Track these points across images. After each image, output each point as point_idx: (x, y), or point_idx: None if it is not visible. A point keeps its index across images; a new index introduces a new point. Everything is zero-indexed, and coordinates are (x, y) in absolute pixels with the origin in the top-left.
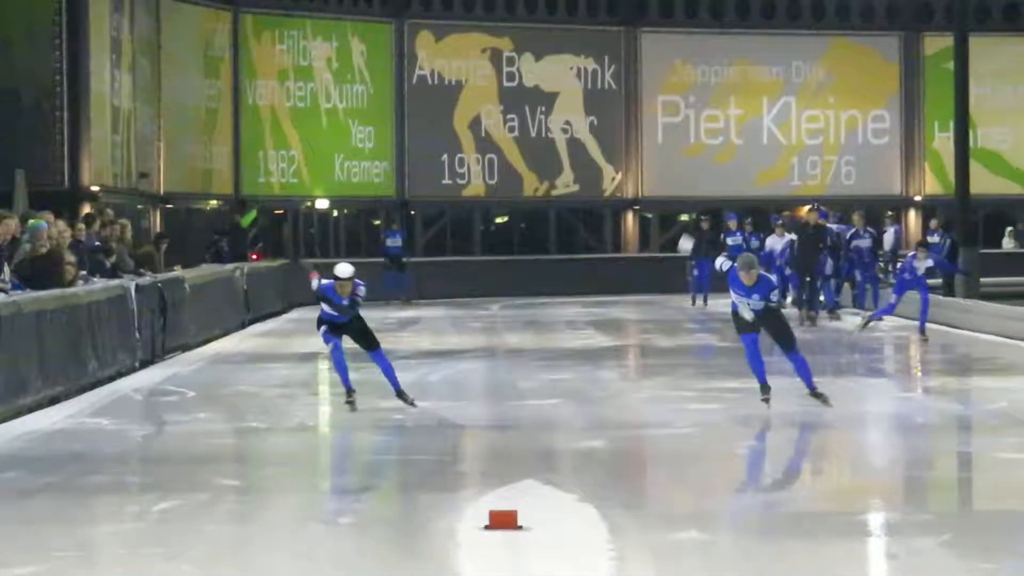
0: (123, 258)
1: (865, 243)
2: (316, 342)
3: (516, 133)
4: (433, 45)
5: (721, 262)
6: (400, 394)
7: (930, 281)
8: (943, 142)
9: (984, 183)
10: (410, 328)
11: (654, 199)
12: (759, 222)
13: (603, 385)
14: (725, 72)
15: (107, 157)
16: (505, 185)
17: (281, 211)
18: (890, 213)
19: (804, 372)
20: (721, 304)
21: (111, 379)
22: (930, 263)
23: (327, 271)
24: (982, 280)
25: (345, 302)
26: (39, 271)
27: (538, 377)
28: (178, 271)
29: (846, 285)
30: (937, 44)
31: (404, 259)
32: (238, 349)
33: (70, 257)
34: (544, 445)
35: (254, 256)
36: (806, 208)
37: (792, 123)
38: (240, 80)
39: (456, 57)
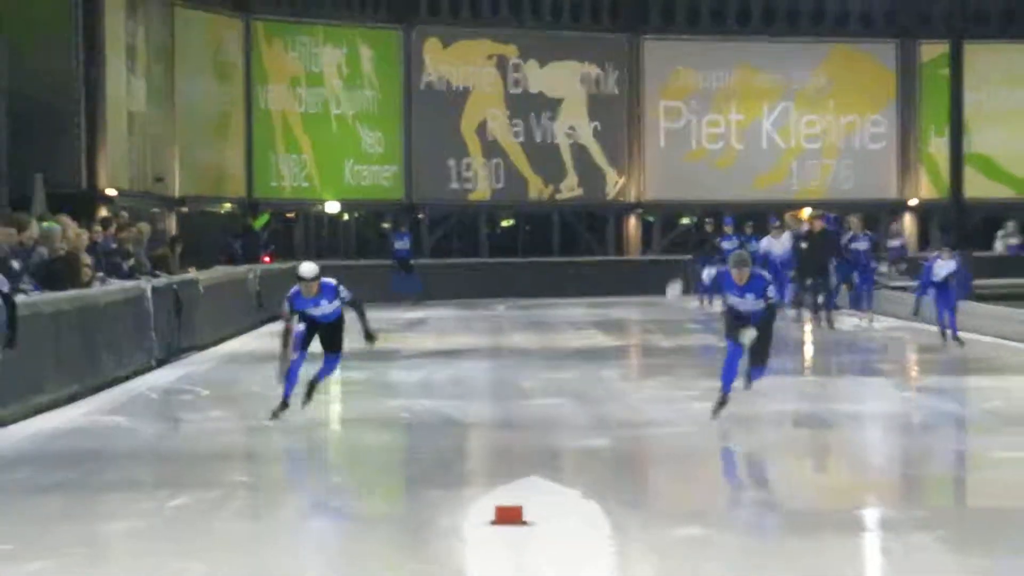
0: (140, 260)
1: (863, 246)
2: None
3: (521, 138)
4: (440, 51)
5: (707, 273)
6: (310, 389)
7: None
8: (938, 146)
9: (978, 187)
10: (417, 328)
11: (656, 202)
12: (759, 225)
13: (605, 384)
14: (726, 78)
15: (123, 161)
16: (510, 189)
17: (292, 214)
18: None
19: (755, 374)
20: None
21: (127, 378)
22: (953, 266)
23: (333, 272)
24: (976, 282)
25: (322, 303)
26: (56, 273)
27: (542, 376)
28: (192, 273)
29: (843, 287)
30: (933, 51)
31: (411, 261)
32: (251, 349)
33: (86, 259)
34: (548, 443)
35: (266, 258)
36: (806, 211)
37: (791, 128)
38: (252, 85)
39: (463, 63)
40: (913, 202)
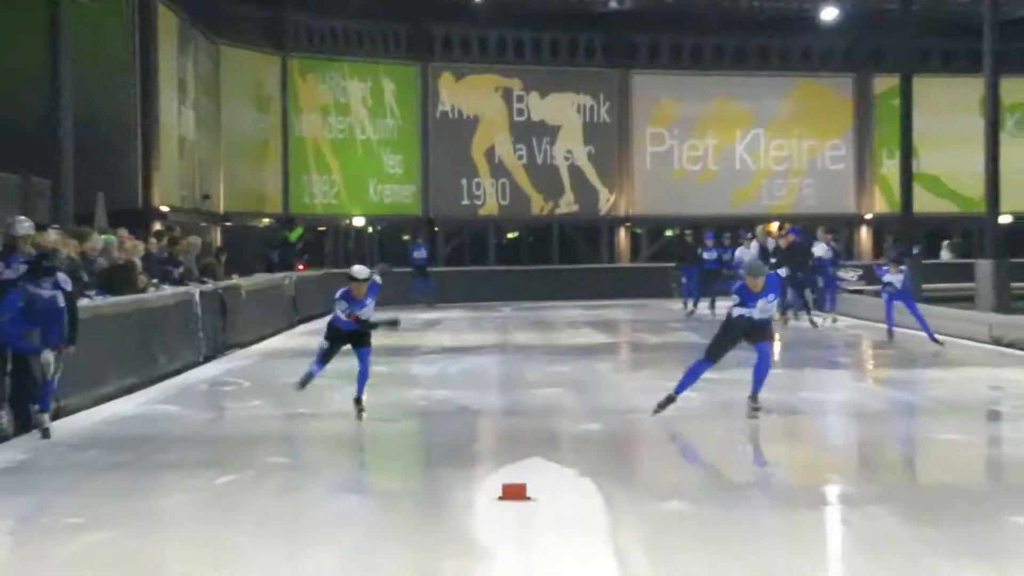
0: (190, 268)
1: (827, 254)
2: None
3: (524, 160)
4: (453, 84)
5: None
6: (358, 400)
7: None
8: (890, 167)
9: (925, 203)
10: (433, 328)
11: (643, 217)
12: (734, 237)
13: (600, 376)
14: (704, 107)
15: (174, 181)
16: (515, 205)
17: (323, 228)
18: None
19: (760, 373)
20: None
21: (178, 372)
22: (901, 278)
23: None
24: (924, 286)
25: (364, 305)
26: (115, 280)
27: (543, 369)
28: (236, 279)
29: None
30: (885, 84)
31: (428, 268)
32: (287, 346)
33: (140, 268)
34: (549, 428)
35: (300, 266)
36: (774, 225)
37: (761, 151)
38: (287, 115)
39: (473, 95)
40: (869, 216)
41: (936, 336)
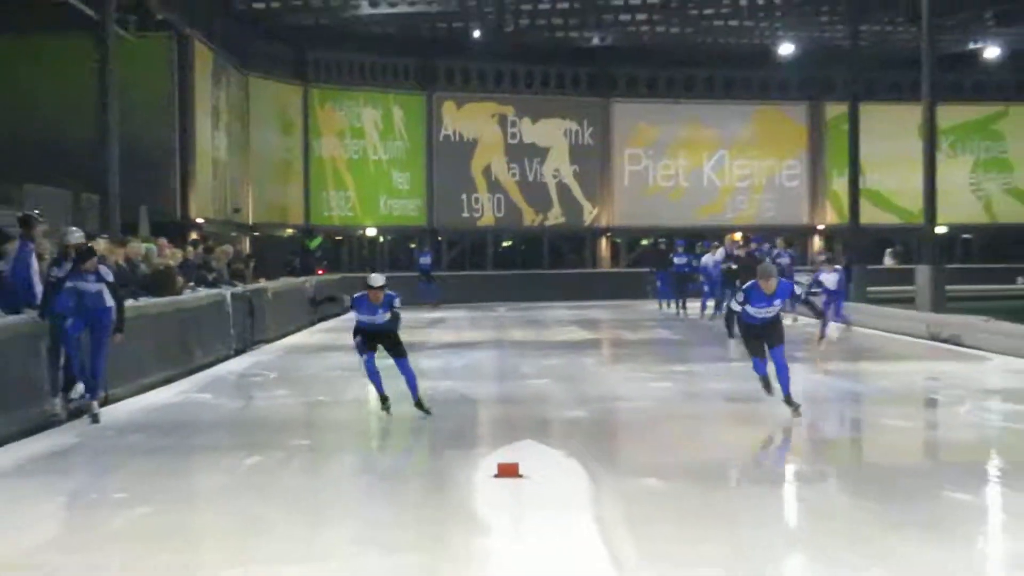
0: (222, 273)
1: (785, 260)
2: None
3: (517, 177)
4: (455, 111)
5: (737, 299)
6: (418, 404)
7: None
8: (840, 184)
9: (871, 215)
10: (437, 326)
11: (622, 228)
12: (694, 244)
13: (585, 369)
14: (676, 132)
15: (208, 196)
16: (509, 217)
17: (340, 237)
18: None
19: (783, 376)
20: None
21: (211, 364)
22: (837, 277)
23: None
24: (869, 289)
25: (379, 312)
26: (157, 283)
27: (535, 363)
28: (262, 283)
29: None
30: (836, 110)
31: (432, 273)
32: (307, 342)
33: (177, 273)
34: (539, 414)
35: (319, 271)
36: (737, 234)
37: (726, 170)
38: (309, 138)
39: (472, 120)
40: (820, 226)
41: (825, 332)
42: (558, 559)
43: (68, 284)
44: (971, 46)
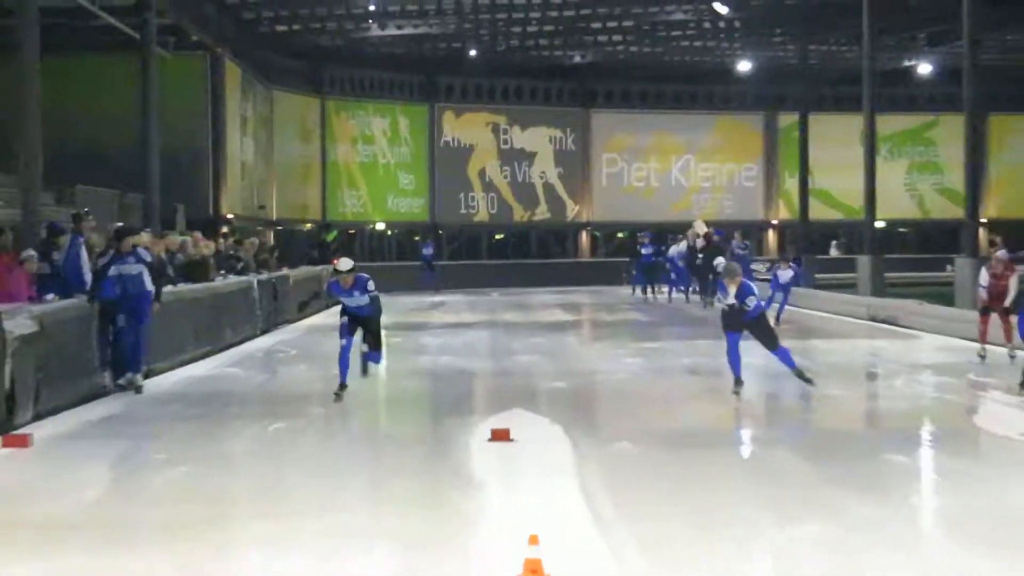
0: (249, 262)
1: (744, 251)
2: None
3: (508, 179)
4: (454, 120)
5: (719, 296)
6: (364, 366)
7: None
8: (792, 184)
9: (818, 211)
10: (438, 309)
11: (600, 223)
12: (665, 237)
13: (567, 346)
14: (648, 139)
15: (237, 195)
16: (501, 214)
17: (353, 231)
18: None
19: (787, 360)
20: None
21: (240, 342)
22: (791, 274)
23: (380, 271)
24: (816, 276)
25: (355, 294)
26: (193, 271)
27: (524, 341)
28: (285, 271)
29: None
30: (788, 120)
31: (433, 263)
32: (325, 323)
33: (211, 262)
34: (528, 386)
35: (334, 261)
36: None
37: (692, 172)
38: (325, 144)
39: (469, 128)
40: (775, 222)
41: (779, 320)
42: (545, 513)
43: (112, 271)
44: (906, 63)
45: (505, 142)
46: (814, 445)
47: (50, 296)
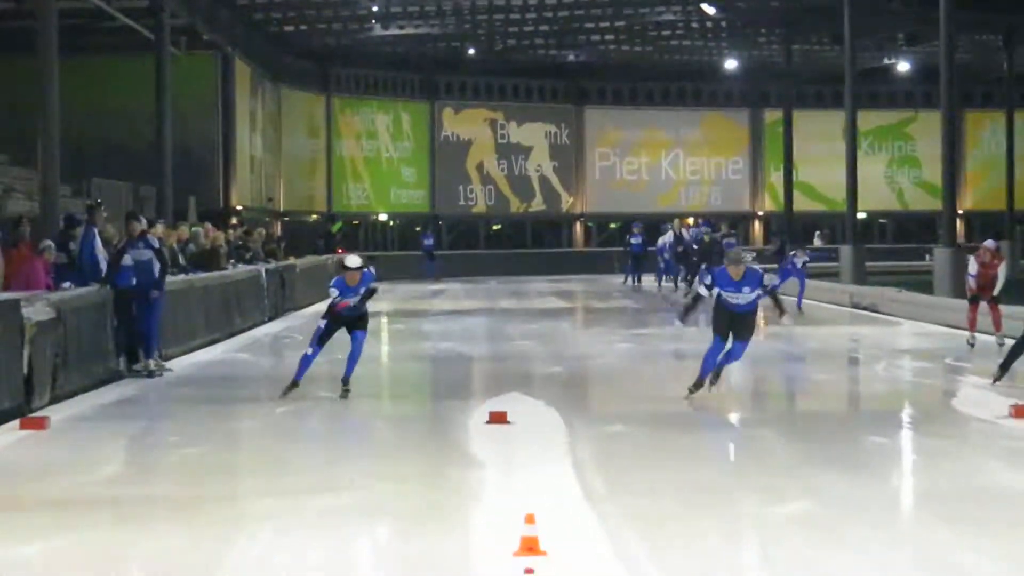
0: (257, 252)
1: (732, 241)
2: (378, 305)
3: (505, 172)
4: (453, 117)
5: (704, 282)
6: (345, 380)
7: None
8: (776, 178)
9: (802, 203)
10: (438, 296)
11: (593, 214)
12: (654, 228)
13: (561, 332)
14: (638, 134)
15: (247, 188)
16: (499, 205)
17: (357, 222)
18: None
19: (728, 360)
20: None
21: (249, 328)
22: (807, 259)
23: (383, 260)
24: None
25: (358, 293)
26: (204, 260)
27: (520, 327)
28: (292, 260)
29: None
30: (773, 116)
31: (434, 252)
32: None
33: (222, 252)
34: (524, 370)
35: (339, 251)
36: (690, 219)
37: (680, 166)
38: (331, 140)
39: (468, 124)
40: (760, 213)
41: (800, 306)
42: (540, 492)
43: (127, 260)
44: (886, 62)
45: (502, 137)
46: (797, 426)
47: (67, 284)
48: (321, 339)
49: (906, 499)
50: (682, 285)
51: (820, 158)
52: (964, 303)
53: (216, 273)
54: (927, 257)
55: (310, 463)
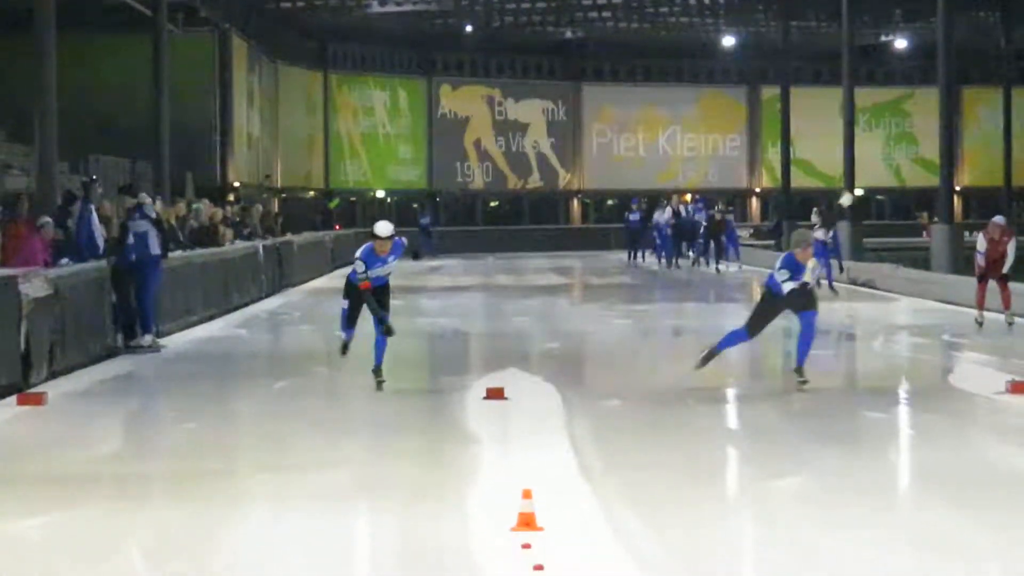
0: (255, 228)
1: (730, 217)
2: None
3: (503, 149)
4: (451, 93)
5: (780, 276)
6: (376, 370)
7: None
8: (774, 154)
9: (799, 180)
10: (436, 272)
11: (591, 191)
12: (652, 204)
13: (558, 308)
14: (636, 110)
15: (244, 165)
16: (496, 182)
17: (354, 199)
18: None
19: (804, 345)
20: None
21: (246, 305)
22: (832, 234)
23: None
24: None
25: (386, 263)
26: (201, 237)
27: (517, 303)
28: (289, 237)
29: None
30: (770, 93)
31: (431, 229)
32: (326, 286)
33: (220, 228)
34: (521, 346)
35: (337, 227)
36: (688, 196)
37: (678, 143)
38: (328, 116)
39: (465, 101)
40: (758, 190)
41: (833, 285)
42: (536, 466)
43: (130, 238)
44: (883, 39)
45: (499, 114)
46: (795, 402)
47: (65, 261)
48: (351, 320)
49: (904, 475)
50: (684, 262)
51: (818, 135)
52: (961, 279)
53: (214, 249)
54: (924, 234)
55: (308, 439)
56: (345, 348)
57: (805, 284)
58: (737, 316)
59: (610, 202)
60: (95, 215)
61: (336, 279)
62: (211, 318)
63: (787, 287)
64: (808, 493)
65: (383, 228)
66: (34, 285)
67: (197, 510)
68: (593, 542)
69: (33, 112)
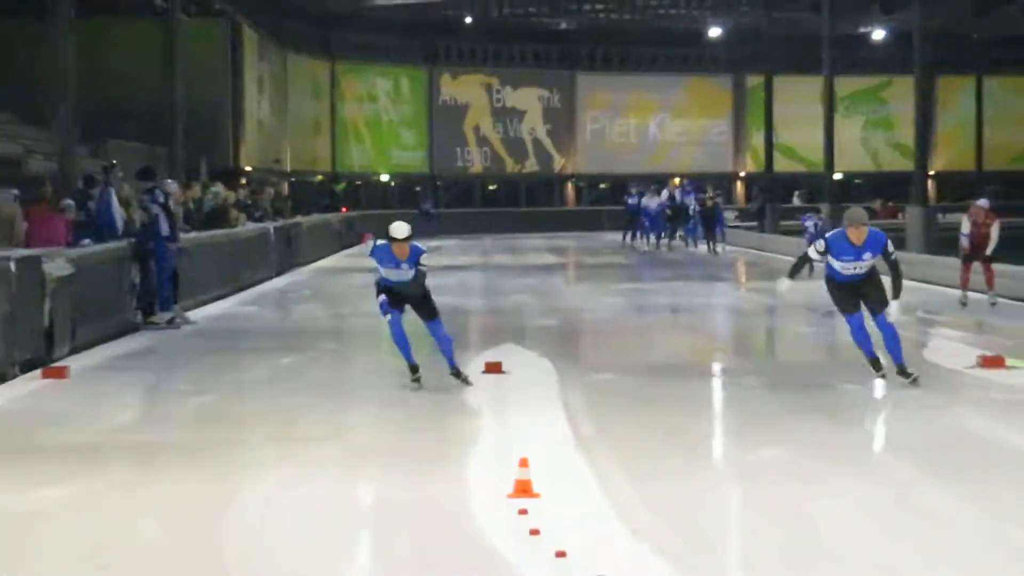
0: (265, 210)
1: (719, 200)
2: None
3: (501, 134)
4: (451, 81)
5: (818, 248)
6: (455, 372)
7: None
8: (758, 139)
9: (782, 164)
10: (436, 252)
11: (584, 175)
12: (644, 187)
13: (554, 286)
14: (627, 98)
15: (254, 149)
16: (494, 166)
17: (359, 182)
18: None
19: (893, 345)
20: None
21: (257, 283)
22: (820, 221)
23: (379, 219)
24: (781, 223)
25: (403, 266)
26: (215, 218)
27: (514, 281)
28: (298, 218)
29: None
30: (755, 80)
31: (431, 211)
32: (334, 265)
33: (232, 210)
34: (518, 322)
35: (343, 209)
36: (677, 180)
37: (668, 128)
38: (335, 103)
39: (465, 88)
40: (743, 174)
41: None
42: (533, 436)
43: (150, 210)
44: (861, 29)
45: (498, 101)
46: (778, 376)
47: (85, 241)
48: (392, 304)
49: (879, 444)
50: (677, 244)
51: (800, 121)
52: (935, 258)
53: (227, 230)
54: (900, 216)
55: (315, 412)
56: (412, 367)
57: (859, 272)
58: (725, 295)
59: (603, 185)
60: (115, 197)
61: (343, 259)
62: (224, 296)
63: (834, 265)
64: (790, 461)
65: (399, 229)
66: (57, 264)
67: (211, 477)
68: (587, 508)
69: (52, 98)
